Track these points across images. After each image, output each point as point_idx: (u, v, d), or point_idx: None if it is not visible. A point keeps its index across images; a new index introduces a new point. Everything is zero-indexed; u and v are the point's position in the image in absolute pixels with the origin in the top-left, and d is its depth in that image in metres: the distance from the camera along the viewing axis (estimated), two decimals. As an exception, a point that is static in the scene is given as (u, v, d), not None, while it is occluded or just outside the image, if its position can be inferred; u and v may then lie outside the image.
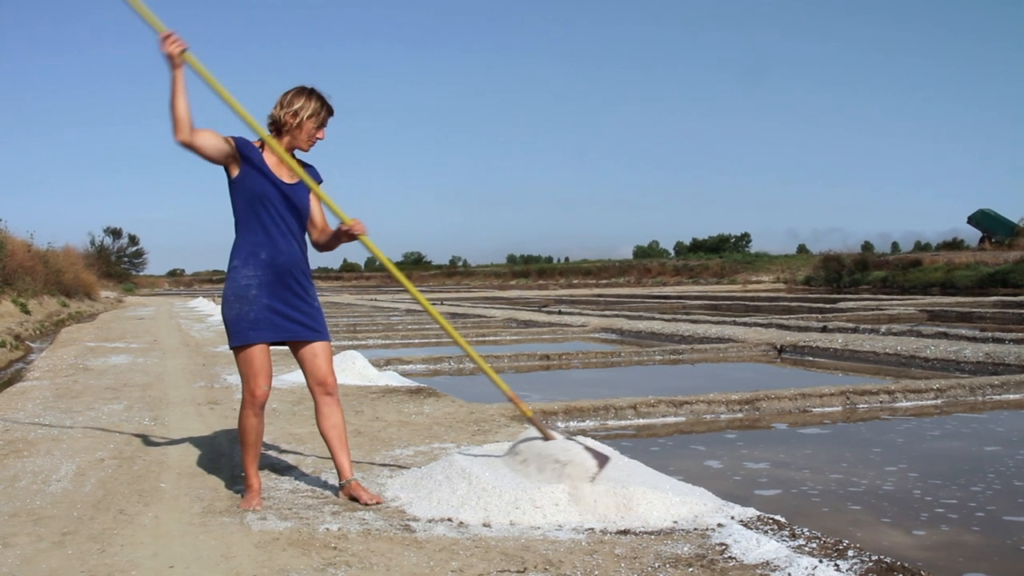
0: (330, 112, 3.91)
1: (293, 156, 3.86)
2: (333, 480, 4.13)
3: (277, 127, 3.84)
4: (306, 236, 3.95)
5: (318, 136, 3.89)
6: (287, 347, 3.94)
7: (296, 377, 8.12)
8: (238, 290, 3.76)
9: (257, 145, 3.83)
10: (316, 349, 3.89)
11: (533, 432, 3.93)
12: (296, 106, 3.82)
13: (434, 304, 28.03)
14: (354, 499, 3.83)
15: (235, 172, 3.77)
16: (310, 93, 3.86)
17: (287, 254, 3.79)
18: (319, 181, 3.92)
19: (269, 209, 3.77)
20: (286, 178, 3.82)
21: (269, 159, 3.81)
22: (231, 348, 3.81)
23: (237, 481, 4.19)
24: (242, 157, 3.76)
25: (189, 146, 3.60)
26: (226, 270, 3.85)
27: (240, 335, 3.76)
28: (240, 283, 3.76)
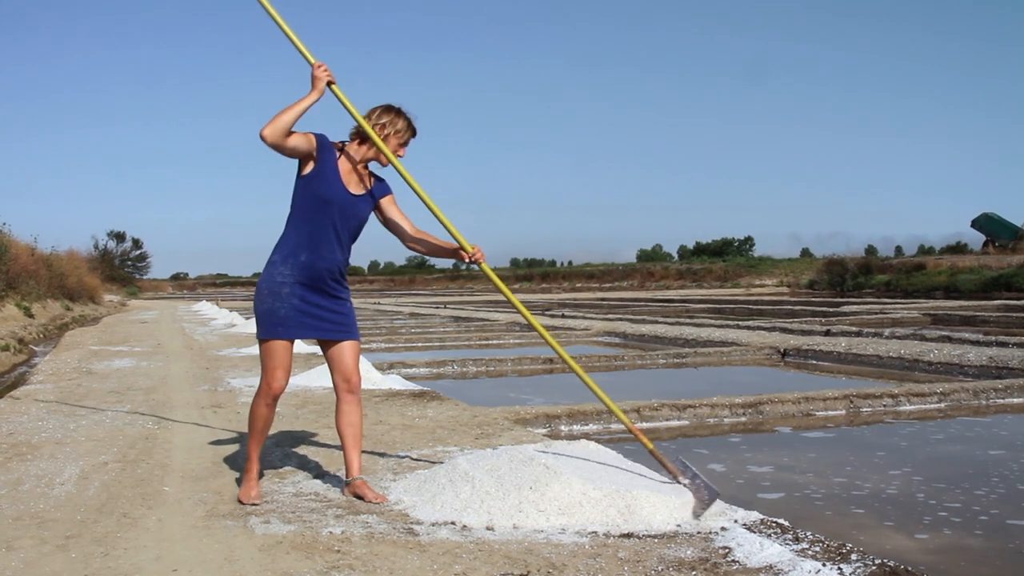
0: (414, 133, 4.01)
1: (367, 168, 3.97)
2: (336, 483, 4.14)
3: (362, 139, 3.92)
4: (352, 246, 3.99)
5: (399, 153, 3.96)
6: (317, 346, 4.06)
7: (300, 380, 8.12)
8: (272, 286, 3.83)
9: (336, 147, 3.91)
10: (344, 347, 3.98)
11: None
12: (383, 121, 3.92)
13: (437, 307, 28.04)
14: (359, 497, 3.87)
15: (307, 169, 3.84)
16: (398, 112, 3.97)
17: (327, 260, 3.86)
18: (385, 193, 4.03)
19: (326, 215, 3.83)
20: (353, 188, 3.90)
21: (343, 166, 3.89)
22: (257, 339, 3.91)
23: (241, 484, 4.19)
24: (318, 157, 3.83)
25: (274, 147, 3.68)
26: (266, 262, 3.91)
27: (267, 329, 3.84)
28: (275, 279, 3.83)
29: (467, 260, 4.04)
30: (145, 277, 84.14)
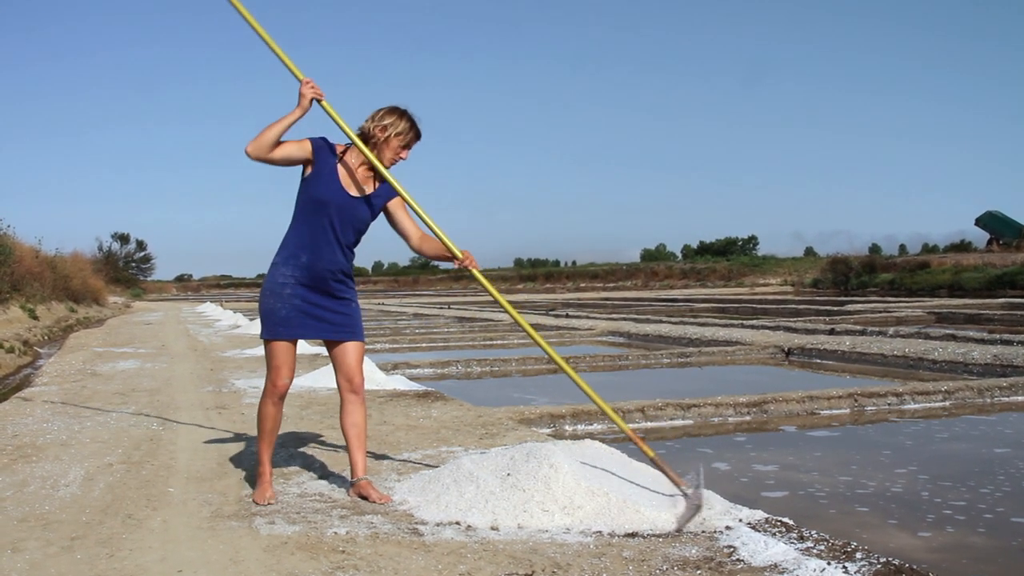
0: (418, 136, 4.01)
1: (371, 170, 3.95)
2: (341, 484, 4.14)
3: (364, 139, 3.93)
4: (356, 247, 4.01)
5: (401, 156, 3.98)
6: (323, 346, 4.07)
7: (304, 381, 8.13)
8: (274, 287, 3.90)
9: (339, 150, 3.94)
10: (347, 348, 4.00)
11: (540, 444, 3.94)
12: (387, 122, 3.92)
13: (441, 307, 28.06)
14: (363, 497, 3.87)
15: (307, 171, 3.90)
16: (402, 113, 3.97)
17: (327, 261, 3.89)
18: (392, 196, 4.01)
19: (324, 217, 3.86)
20: (354, 191, 3.91)
21: (342, 169, 3.91)
22: (261, 339, 3.99)
23: (245, 485, 4.20)
24: (315, 160, 3.87)
25: (260, 161, 3.77)
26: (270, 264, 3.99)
27: (269, 329, 3.92)
28: (277, 280, 3.90)
29: (457, 266, 4.06)
30: (149, 279, 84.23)
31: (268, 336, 3.92)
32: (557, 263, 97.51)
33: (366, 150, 3.88)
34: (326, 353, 4.18)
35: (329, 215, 3.86)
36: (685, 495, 3.58)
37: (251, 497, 3.93)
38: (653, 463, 3.78)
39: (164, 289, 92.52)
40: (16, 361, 12.79)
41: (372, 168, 3.95)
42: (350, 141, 3.94)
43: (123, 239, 77.81)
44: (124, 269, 72.84)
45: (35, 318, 20.04)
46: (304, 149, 3.85)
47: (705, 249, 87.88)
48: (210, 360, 11.35)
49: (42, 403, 7.34)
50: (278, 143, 3.78)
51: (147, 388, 8.36)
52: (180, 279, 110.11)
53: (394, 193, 4.01)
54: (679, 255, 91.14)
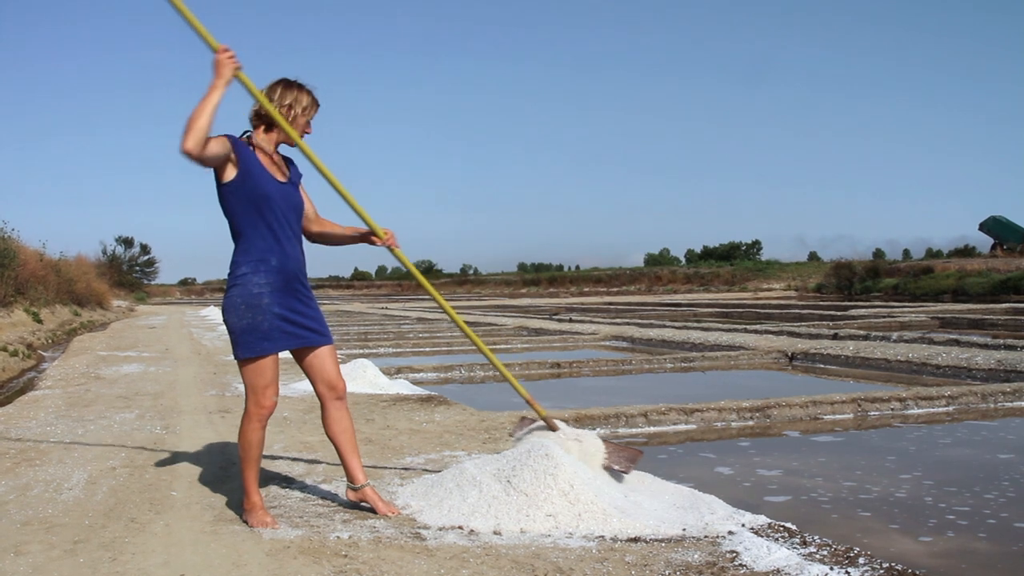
0: (317, 106, 3.79)
1: (277, 152, 3.75)
2: (344, 488, 4.14)
3: (267, 125, 3.68)
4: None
5: (307, 131, 3.76)
6: (290, 354, 3.83)
7: (306, 385, 8.13)
8: (250, 299, 3.57)
9: (246, 142, 3.65)
10: (323, 353, 3.78)
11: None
12: (288, 100, 3.68)
13: (444, 311, 28.07)
14: (369, 506, 3.79)
15: (231, 174, 3.56)
16: (299, 87, 3.73)
17: (294, 259, 3.67)
18: (300, 176, 3.84)
19: (274, 212, 3.60)
20: (280, 178, 3.68)
21: (262, 158, 3.65)
22: (239, 359, 3.63)
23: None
24: (238, 158, 3.56)
25: (196, 158, 3.34)
26: (228, 277, 3.67)
27: (251, 346, 3.58)
28: (252, 291, 3.57)
29: (379, 244, 3.88)
30: (153, 282, 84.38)
31: (253, 354, 3.58)
32: (561, 267, 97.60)
33: (290, 129, 3.63)
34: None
35: (279, 208, 3.60)
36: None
37: (250, 524, 3.61)
38: (544, 420, 4.24)
39: (168, 293, 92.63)
40: (20, 364, 12.80)
41: (277, 149, 3.73)
42: (249, 125, 3.70)
43: (127, 243, 77.96)
44: (128, 273, 72.93)
45: (39, 321, 20.06)
46: (225, 146, 3.49)
47: (709, 254, 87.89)
48: (213, 364, 11.36)
49: (46, 406, 7.35)
50: (209, 140, 3.38)
51: (150, 392, 8.37)
52: (184, 283, 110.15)
53: (300, 173, 3.83)
54: (683, 260, 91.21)
